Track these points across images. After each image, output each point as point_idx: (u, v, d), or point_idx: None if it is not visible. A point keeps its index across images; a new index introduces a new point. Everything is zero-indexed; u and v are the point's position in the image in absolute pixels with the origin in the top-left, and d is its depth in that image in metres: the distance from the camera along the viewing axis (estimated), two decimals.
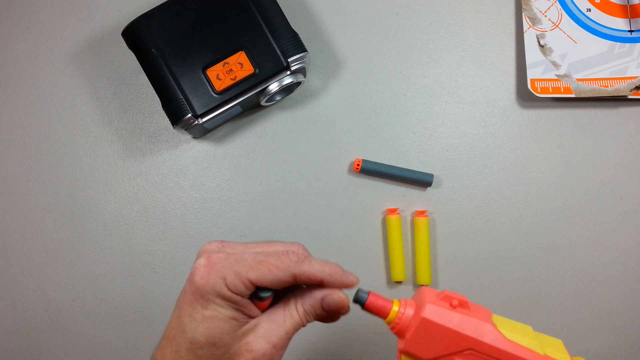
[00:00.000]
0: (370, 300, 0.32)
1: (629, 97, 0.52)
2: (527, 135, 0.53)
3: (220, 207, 0.52)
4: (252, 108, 0.52)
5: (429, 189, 0.53)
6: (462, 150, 0.53)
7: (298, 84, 0.50)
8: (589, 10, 0.54)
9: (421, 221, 0.51)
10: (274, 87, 0.47)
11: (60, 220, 0.52)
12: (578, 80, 0.52)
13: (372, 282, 0.52)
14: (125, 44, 0.48)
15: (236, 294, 0.29)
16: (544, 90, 0.52)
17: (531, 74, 0.52)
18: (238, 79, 0.46)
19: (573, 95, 0.52)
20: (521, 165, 0.53)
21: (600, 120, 0.53)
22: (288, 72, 0.47)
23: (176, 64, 0.46)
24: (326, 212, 0.52)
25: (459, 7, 0.55)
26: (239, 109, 0.49)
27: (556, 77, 0.52)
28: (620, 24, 0.54)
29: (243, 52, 0.46)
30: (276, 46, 0.46)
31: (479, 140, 0.53)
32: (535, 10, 0.54)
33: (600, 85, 0.52)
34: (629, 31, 0.54)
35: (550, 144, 0.53)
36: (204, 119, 0.46)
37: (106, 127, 0.53)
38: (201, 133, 0.51)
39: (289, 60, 0.47)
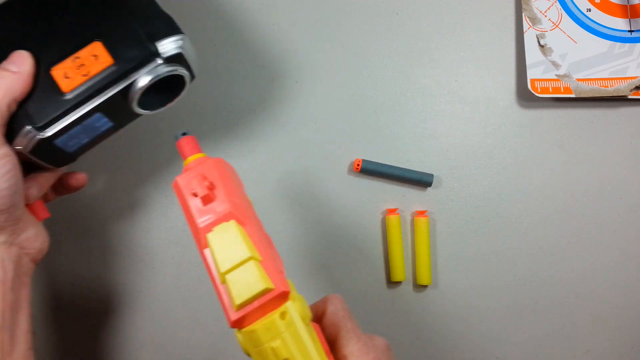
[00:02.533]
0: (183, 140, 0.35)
1: (629, 97, 0.52)
2: (527, 135, 0.53)
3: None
4: (129, 120, 0.40)
5: (429, 189, 0.53)
6: (462, 150, 0.53)
7: (179, 80, 0.38)
8: (589, 10, 0.54)
9: (421, 221, 0.51)
10: (143, 81, 0.36)
11: (60, 221, 0.52)
12: (578, 80, 0.52)
13: (372, 282, 0.52)
14: None
15: None
16: (544, 90, 0.52)
17: (531, 74, 0.52)
18: (92, 74, 0.35)
19: (573, 95, 0.52)
20: (521, 165, 0.53)
21: (600, 120, 0.53)
22: (159, 61, 0.36)
23: None
24: (326, 212, 0.52)
25: (459, 7, 0.55)
26: (105, 120, 0.38)
27: (556, 77, 0.52)
28: (620, 24, 0.54)
29: (99, 42, 0.36)
30: (141, 30, 0.36)
31: (479, 140, 0.53)
32: (535, 10, 0.54)
33: (600, 85, 0.52)
34: (629, 31, 0.54)
35: (550, 144, 0.53)
36: (50, 132, 0.35)
37: None
38: (57, 159, 0.38)
39: (157, 44, 0.36)
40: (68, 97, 0.35)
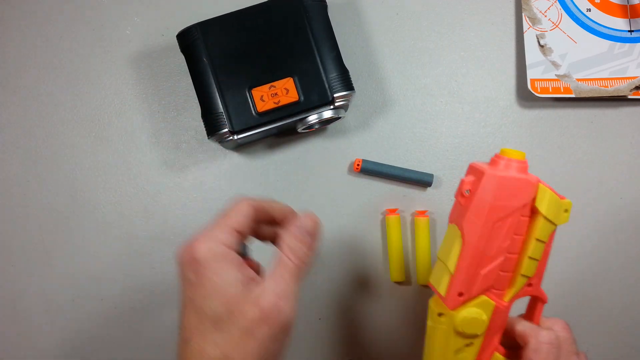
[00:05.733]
0: None
1: (629, 97, 0.52)
2: (527, 135, 0.53)
3: (220, 206, 0.52)
4: (287, 132, 0.52)
5: (429, 189, 0.53)
6: (462, 150, 0.53)
7: (337, 118, 0.49)
8: (589, 10, 0.54)
9: (421, 221, 0.51)
10: (313, 118, 0.47)
11: (60, 220, 0.52)
12: (578, 80, 0.52)
13: (372, 282, 0.52)
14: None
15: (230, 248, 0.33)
16: (544, 90, 0.52)
17: (531, 74, 0.52)
18: (281, 104, 0.46)
19: (573, 95, 0.52)
20: None
21: (600, 120, 0.53)
22: (331, 107, 0.47)
23: (224, 77, 0.46)
24: (326, 212, 0.52)
25: (458, 7, 0.55)
26: (274, 130, 0.49)
27: (556, 77, 0.52)
28: (620, 24, 0.54)
29: (291, 79, 0.46)
30: (325, 79, 0.47)
31: (479, 140, 0.53)
32: (535, 10, 0.54)
33: (600, 85, 0.52)
34: (629, 31, 0.54)
35: (550, 144, 0.53)
36: (240, 136, 0.47)
37: (106, 127, 0.53)
38: (232, 146, 0.51)
39: (335, 95, 0.47)
40: (260, 116, 0.46)
